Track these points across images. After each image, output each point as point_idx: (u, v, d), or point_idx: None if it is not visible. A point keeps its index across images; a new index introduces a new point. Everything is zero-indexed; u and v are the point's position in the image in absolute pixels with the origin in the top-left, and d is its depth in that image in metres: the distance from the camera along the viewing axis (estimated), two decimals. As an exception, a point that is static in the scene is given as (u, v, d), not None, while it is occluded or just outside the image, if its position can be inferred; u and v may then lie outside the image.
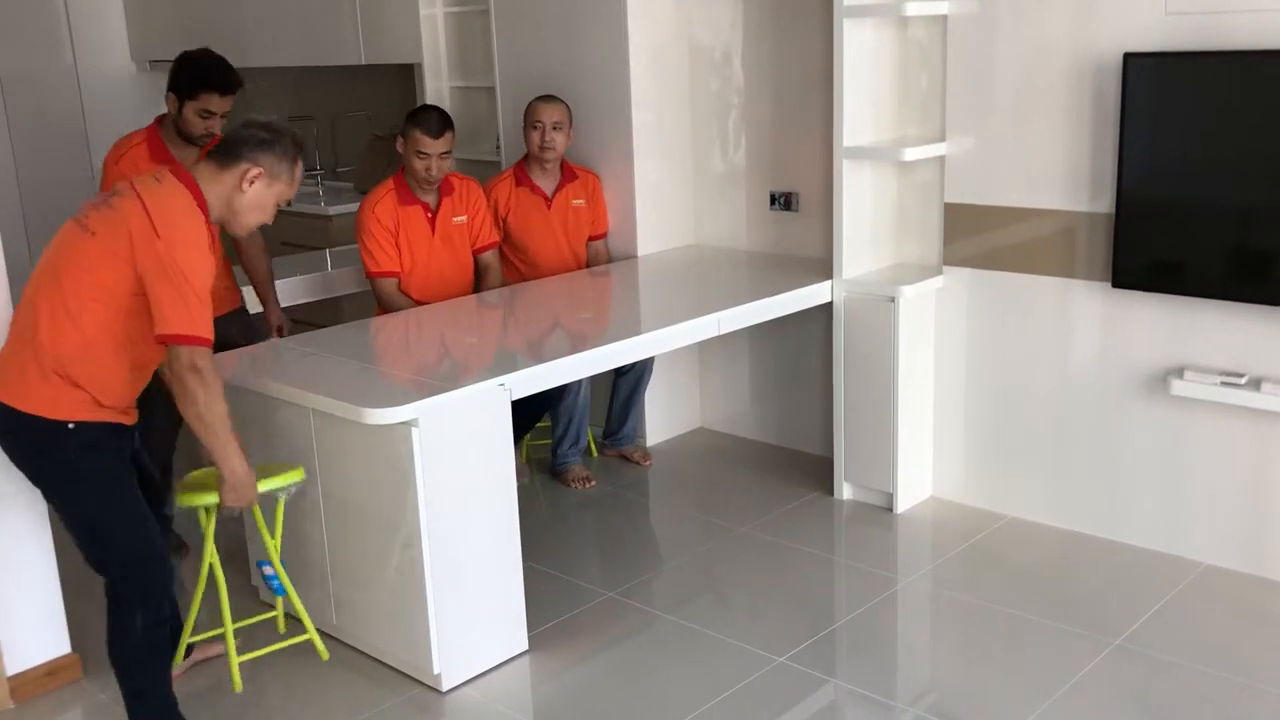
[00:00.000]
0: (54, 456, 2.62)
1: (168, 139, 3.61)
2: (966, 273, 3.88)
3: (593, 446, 4.65)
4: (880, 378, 3.91)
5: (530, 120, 4.22)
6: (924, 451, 4.06)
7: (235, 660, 3.05)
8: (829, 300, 4.00)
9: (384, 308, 3.94)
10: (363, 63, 5.47)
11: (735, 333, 4.00)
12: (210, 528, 3.01)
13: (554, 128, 4.20)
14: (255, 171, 2.66)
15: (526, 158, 4.31)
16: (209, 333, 2.57)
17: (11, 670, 3.08)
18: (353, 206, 5.45)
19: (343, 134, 6.32)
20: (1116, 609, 3.31)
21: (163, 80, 7.01)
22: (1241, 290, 3.29)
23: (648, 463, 4.53)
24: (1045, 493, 3.84)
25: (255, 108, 6.74)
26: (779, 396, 4.63)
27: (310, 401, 2.99)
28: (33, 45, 6.62)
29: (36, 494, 3.06)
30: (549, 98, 4.27)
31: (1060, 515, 3.82)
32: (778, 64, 4.35)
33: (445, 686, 3.03)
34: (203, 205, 2.63)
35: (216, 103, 3.51)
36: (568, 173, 4.34)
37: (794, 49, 4.28)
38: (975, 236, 3.84)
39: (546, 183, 4.29)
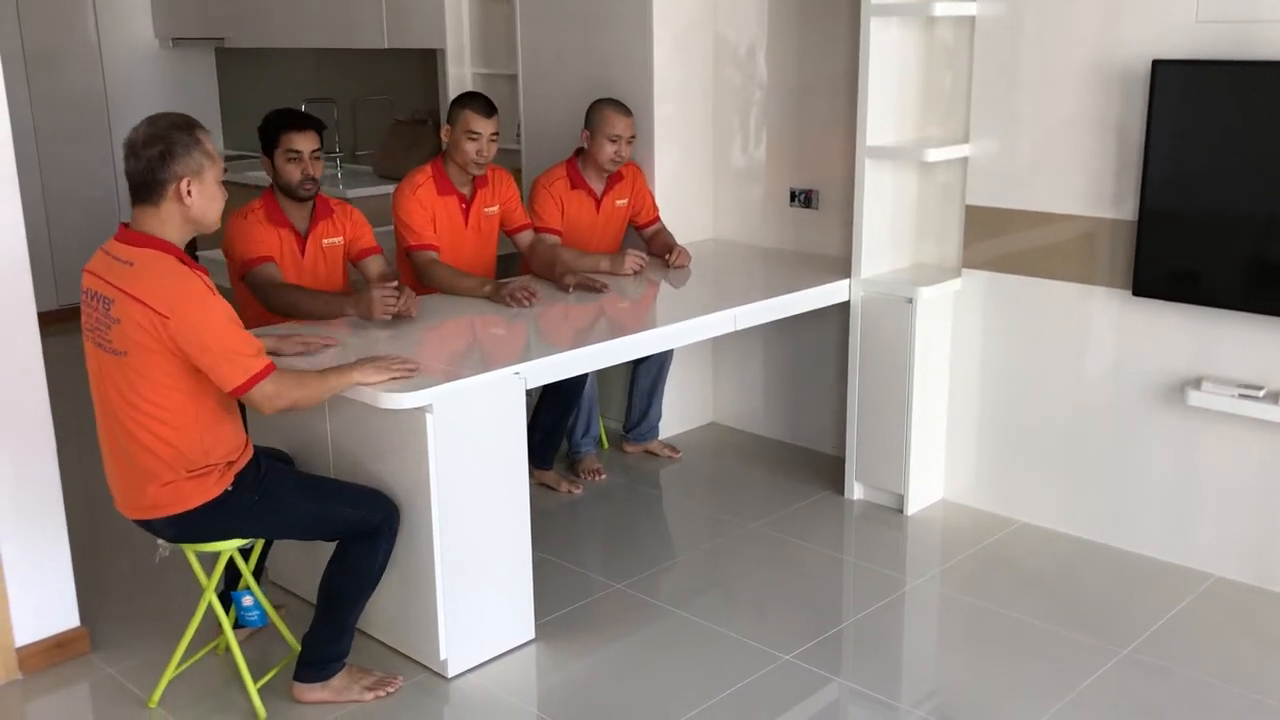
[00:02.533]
0: (243, 514, 2.75)
1: (280, 202, 3.61)
2: (985, 276, 3.87)
3: (604, 438, 4.64)
4: (895, 378, 3.90)
5: (607, 131, 4.10)
6: (936, 454, 4.05)
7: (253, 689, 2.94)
8: (846, 299, 3.99)
9: (424, 281, 3.89)
10: (386, 46, 5.47)
11: (750, 328, 3.99)
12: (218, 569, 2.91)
13: (629, 141, 4.14)
14: (184, 183, 2.57)
15: (581, 156, 4.22)
16: (260, 361, 2.61)
17: (20, 641, 3.10)
18: (372, 190, 5.46)
19: (363, 117, 6.33)
20: (1125, 618, 3.29)
21: (186, 57, 7.11)
22: (1264, 302, 3.27)
23: (677, 456, 4.53)
24: (1057, 499, 3.83)
25: (276, 88, 6.77)
26: (792, 394, 4.63)
27: (325, 384, 2.99)
28: (57, 22, 6.64)
29: (48, 468, 3.08)
30: (623, 108, 4.15)
31: (1071, 522, 3.81)
32: (802, 60, 4.33)
33: (451, 673, 3.04)
34: (170, 250, 2.59)
35: (298, 140, 3.51)
36: (614, 173, 4.31)
37: (819, 45, 4.26)
38: (995, 239, 3.83)
39: (598, 185, 4.26)
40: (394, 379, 2.84)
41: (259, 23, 6.23)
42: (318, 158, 3.56)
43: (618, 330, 3.46)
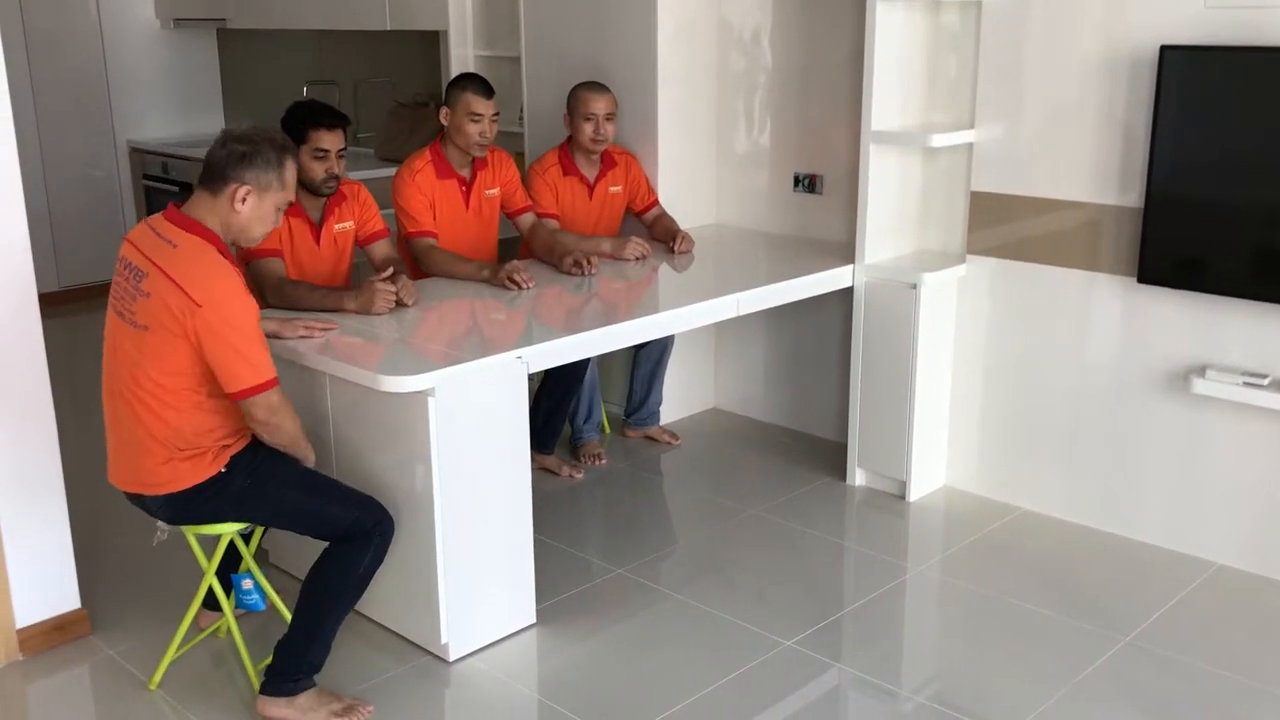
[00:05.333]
0: (234, 498, 2.73)
1: (297, 193, 3.57)
2: (990, 262, 3.85)
3: (605, 423, 4.64)
4: (898, 364, 3.89)
5: (582, 111, 4.10)
6: (939, 440, 4.05)
7: (251, 669, 2.93)
8: (849, 285, 3.97)
9: (422, 268, 3.89)
10: (388, 28, 5.44)
11: (752, 314, 3.98)
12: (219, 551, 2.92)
13: (607, 119, 4.12)
14: (244, 190, 2.63)
15: (570, 143, 4.20)
16: (271, 371, 2.62)
17: (21, 623, 3.10)
18: (373, 173, 5.44)
19: (365, 100, 6.30)
20: (1127, 606, 3.29)
21: (187, 38, 7.07)
22: (1269, 290, 3.25)
23: (676, 442, 4.53)
24: (1060, 486, 3.82)
25: (277, 69, 6.74)
26: (794, 379, 4.62)
27: (327, 367, 2.99)
28: (58, 2, 6.60)
29: (48, 450, 3.08)
30: (598, 86, 4.15)
31: (1074, 510, 3.81)
32: (806, 45, 4.31)
33: (452, 657, 3.04)
34: (214, 240, 2.63)
35: (327, 139, 3.48)
36: (607, 159, 4.26)
37: (824, 30, 4.24)
38: (1000, 226, 3.81)
39: (590, 171, 4.24)
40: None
41: (260, 4, 6.20)
42: (342, 155, 3.54)
43: (620, 315, 3.45)
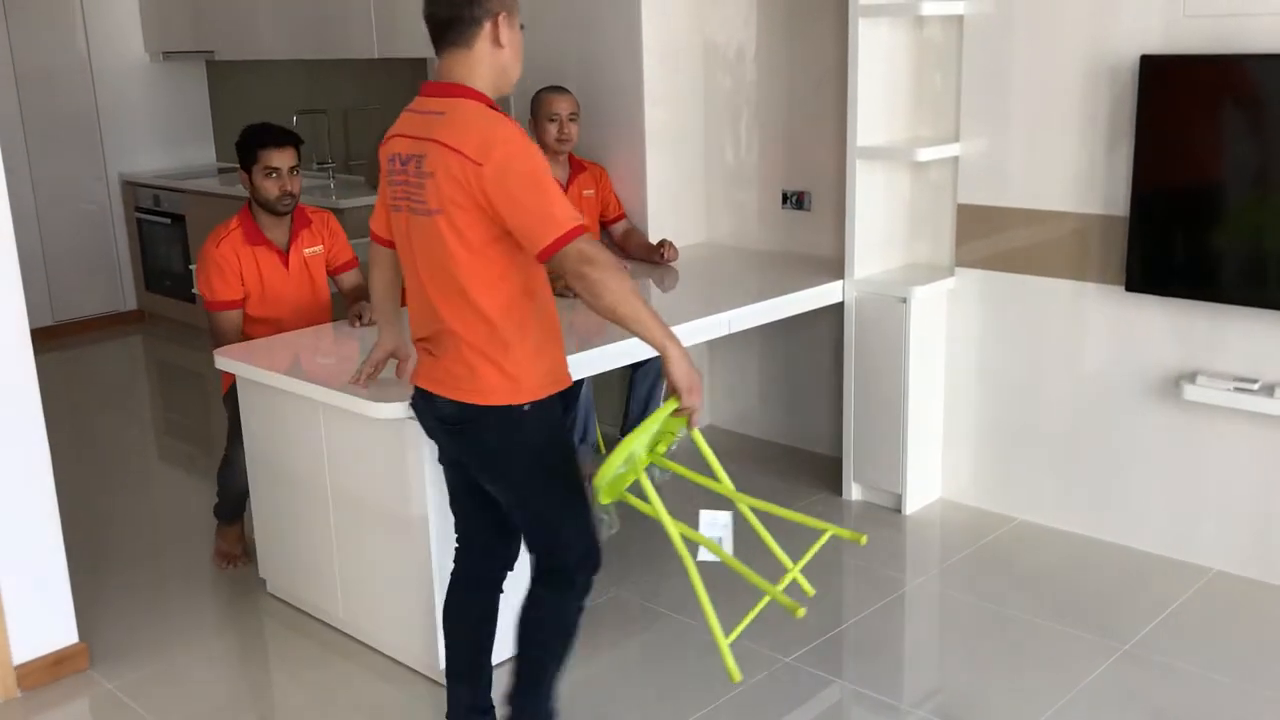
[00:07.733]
0: (512, 444, 2.40)
1: (259, 219, 3.63)
2: (978, 274, 3.87)
3: (601, 444, 4.64)
4: (891, 378, 3.90)
5: (545, 113, 4.17)
6: (933, 453, 4.05)
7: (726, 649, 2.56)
8: (840, 300, 3.99)
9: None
10: (376, 57, 5.48)
11: (745, 331, 3.99)
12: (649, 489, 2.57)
13: (570, 119, 4.18)
14: (499, 18, 2.30)
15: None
16: (573, 220, 2.24)
17: (19, 659, 3.09)
18: (366, 200, 5.46)
19: (355, 128, 6.33)
20: (1125, 614, 3.29)
21: (177, 70, 7.11)
22: (1256, 295, 3.27)
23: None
24: (1055, 496, 3.83)
25: (267, 99, 6.76)
26: (788, 396, 4.63)
27: (320, 395, 2.99)
28: (47, 36, 6.65)
29: (43, 484, 3.08)
30: (559, 89, 4.22)
31: (1070, 519, 3.81)
32: (791, 62, 4.34)
33: (451, 681, 3.03)
34: (483, 98, 2.33)
35: (276, 157, 3.54)
36: (575, 165, 4.32)
37: (808, 47, 4.27)
38: (988, 238, 3.83)
39: (560, 174, 4.28)
40: (686, 388, 2.37)
41: (248, 35, 6.24)
42: (296, 173, 3.59)
43: (611, 335, 3.45)
